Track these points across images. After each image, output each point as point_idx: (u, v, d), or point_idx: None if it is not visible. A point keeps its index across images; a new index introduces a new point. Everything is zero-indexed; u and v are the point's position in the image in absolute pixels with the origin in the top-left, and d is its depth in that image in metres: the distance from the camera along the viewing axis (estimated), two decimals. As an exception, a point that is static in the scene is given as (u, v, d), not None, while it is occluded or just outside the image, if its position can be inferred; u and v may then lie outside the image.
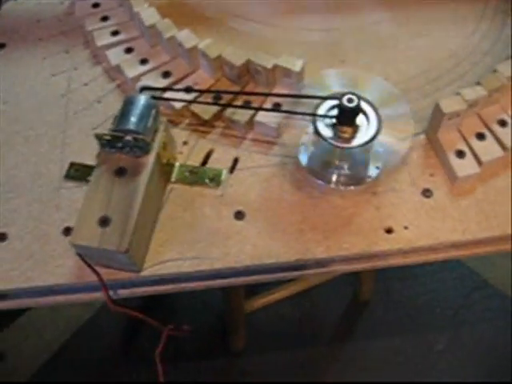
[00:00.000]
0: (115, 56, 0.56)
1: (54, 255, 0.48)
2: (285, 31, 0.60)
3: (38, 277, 0.47)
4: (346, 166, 0.48)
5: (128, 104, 0.46)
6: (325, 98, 0.46)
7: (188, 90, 0.52)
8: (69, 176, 0.51)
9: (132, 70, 0.54)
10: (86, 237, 0.44)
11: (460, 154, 0.49)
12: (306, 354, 1.05)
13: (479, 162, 0.49)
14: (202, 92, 0.51)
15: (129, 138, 0.45)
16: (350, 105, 0.44)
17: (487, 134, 0.50)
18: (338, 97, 0.45)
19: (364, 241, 0.47)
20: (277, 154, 0.51)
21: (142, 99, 0.46)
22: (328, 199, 0.49)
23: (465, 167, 0.48)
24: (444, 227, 0.48)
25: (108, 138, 0.46)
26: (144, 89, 0.48)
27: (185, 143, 0.52)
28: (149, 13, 0.55)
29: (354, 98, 0.44)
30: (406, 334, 1.06)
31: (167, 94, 0.52)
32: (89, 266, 0.46)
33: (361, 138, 0.45)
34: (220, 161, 0.51)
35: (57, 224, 0.49)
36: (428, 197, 0.49)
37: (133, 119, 0.45)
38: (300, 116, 0.49)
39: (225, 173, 0.51)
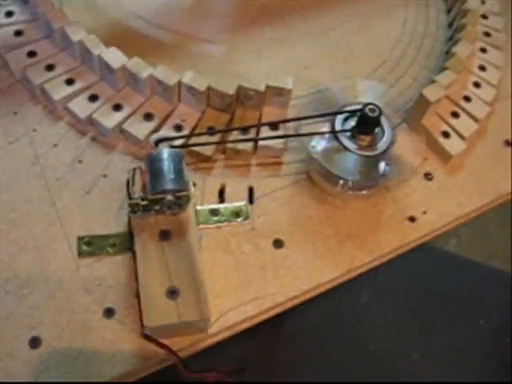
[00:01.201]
0: (81, 108, 0.50)
1: (105, 344, 0.43)
2: (237, 47, 0.58)
3: (97, 374, 0.42)
4: (364, 171, 0.50)
5: (155, 162, 0.42)
6: (348, 112, 0.47)
7: (208, 132, 0.49)
8: (82, 252, 0.46)
9: (108, 120, 0.49)
10: (162, 315, 0.40)
11: (446, 135, 0.54)
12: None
13: (462, 137, 0.54)
14: (222, 131, 0.49)
15: (170, 197, 0.42)
16: (372, 114, 0.46)
17: (459, 111, 0.55)
18: (360, 108, 0.46)
19: (397, 235, 0.50)
20: (287, 173, 0.51)
21: (168, 153, 0.43)
22: (350, 205, 0.51)
23: (454, 146, 0.54)
24: (453, 204, 0.52)
25: (145, 203, 0.42)
26: (160, 141, 0.44)
27: (193, 185, 0.50)
28: (113, 54, 0.50)
29: (375, 107, 0.46)
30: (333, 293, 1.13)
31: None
32: (160, 344, 0.42)
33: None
34: (235, 194, 0.50)
35: (93, 309, 0.44)
36: (430, 179, 0.53)
37: (170, 176, 0.42)
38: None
39: (246, 205, 0.49)
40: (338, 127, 0.48)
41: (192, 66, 0.54)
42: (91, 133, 0.51)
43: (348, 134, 0.48)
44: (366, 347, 1.07)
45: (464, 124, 0.54)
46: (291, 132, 0.52)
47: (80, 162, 0.50)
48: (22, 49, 0.52)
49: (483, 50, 0.59)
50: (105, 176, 0.49)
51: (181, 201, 0.43)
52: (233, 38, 0.59)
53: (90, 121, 0.50)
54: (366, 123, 0.47)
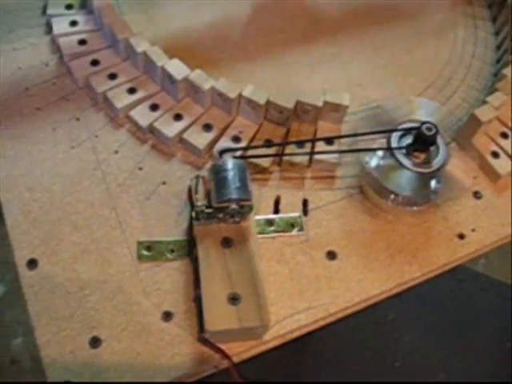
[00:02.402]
0: (142, 116, 0.52)
1: (164, 346, 0.44)
2: (291, 62, 0.60)
3: (154, 376, 0.43)
4: (416, 188, 0.51)
5: (220, 172, 0.44)
6: (405, 129, 0.48)
7: (268, 145, 0.50)
8: (142, 257, 0.47)
9: (169, 129, 0.51)
10: (224, 320, 0.41)
11: (495, 155, 0.55)
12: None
13: (511, 158, 0.55)
14: (280, 145, 0.50)
15: (234, 206, 0.43)
16: (429, 133, 0.47)
17: (508, 132, 0.56)
18: (418, 126, 0.47)
19: (447, 251, 0.51)
20: (341, 187, 0.53)
21: (232, 163, 0.44)
22: (402, 220, 0.52)
23: (503, 165, 0.54)
24: (501, 222, 0.53)
25: (210, 211, 0.43)
26: (224, 151, 0.46)
27: (250, 194, 0.51)
28: (176, 66, 0.51)
29: (432, 126, 0.47)
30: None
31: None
32: (216, 349, 0.43)
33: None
34: (290, 205, 0.51)
35: (152, 312, 0.45)
36: (479, 198, 0.54)
37: (236, 186, 0.43)
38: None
39: (301, 216, 0.50)
40: (393, 144, 0.49)
41: (247, 79, 0.56)
42: (151, 141, 0.52)
43: (403, 150, 0.49)
44: (392, 365, 1.08)
45: (513, 145, 0.55)
46: (344, 147, 0.53)
47: (140, 168, 0.51)
48: (85, 57, 0.54)
49: (532, 73, 0.60)
50: (164, 183, 0.50)
51: (244, 210, 0.44)
52: (287, 54, 0.61)
53: (151, 129, 0.52)
54: (423, 141, 0.48)
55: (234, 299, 0.42)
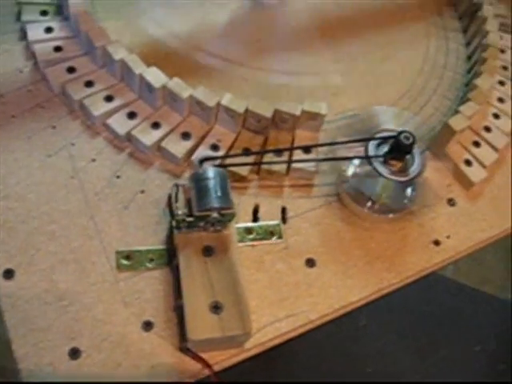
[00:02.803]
0: (119, 124, 0.51)
1: (144, 356, 0.43)
2: (267, 71, 0.60)
3: (138, 384, 0.43)
4: (392, 195, 0.52)
5: (201, 180, 0.44)
6: (382, 138, 0.49)
7: (246, 153, 0.51)
8: (121, 266, 0.47)
9: (147, 137, 0.51)
10: (206, 329, 0.41)
11: (468, 163, 0.56)
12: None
13: (484, 166, 0.56)
14: (259, 153, 0.50)
15: (215, 215, 0.43)
16: (407, 142, 0.48)
17: (480, 141, 0.58)
18: (395, 135, 0.48)
19: (422, 257, 0.52)
20: (319, 195, 0.53)
21: (213, 172, 0.44)
22: (379, 228, 0.52)
23: (476, 173, 0.56)
24: (475, 229, 0.55)
25: (191, 219, 0.43)
26: (204, 160, 0.46)
27: (229, 203, 0.51)
28: (154, 74, 0.51)
29: (409, 135, 0.48)
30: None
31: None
32: (197, 358, 0.43)
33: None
34: (268, 213, 0.51)
35: (132, 321, 0.45)
36: (453, 205, 0.55)
37: (217, 195, 0.43)
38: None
39: (279, 224, 0.51)
40: (370, 152, 0.50)
41: (226, 88, 0.56)
42: (129, 149, 0.52)
43: (380, 159, 0.50)
44: (363, 370, 1.09)
45: (485, 153, 0.57)
46: (322, 155, 0.53)
47: (118, 177, 0.51)
48: (61, 64, 0.54)
49: (501, 83, 0.61)
50: (142, 192, 0.50)
51: (225, 218, 0.44)
52: (263, 63, 0.61)
53: (128, 137, 0.51)
54: (400, 150, 0.48)
55: (216, 308, 0.42)
